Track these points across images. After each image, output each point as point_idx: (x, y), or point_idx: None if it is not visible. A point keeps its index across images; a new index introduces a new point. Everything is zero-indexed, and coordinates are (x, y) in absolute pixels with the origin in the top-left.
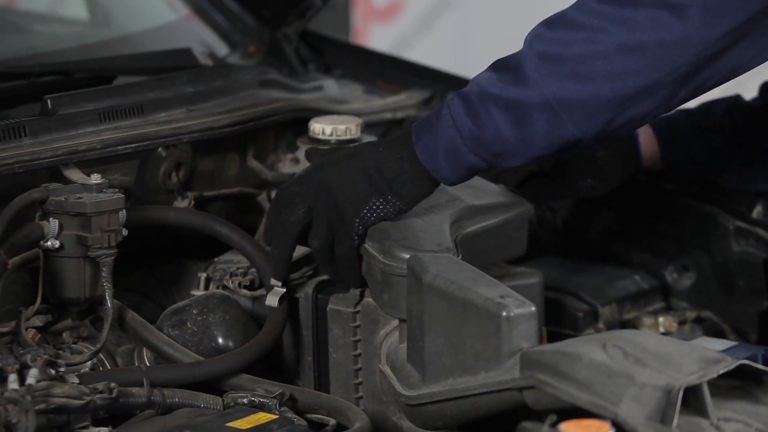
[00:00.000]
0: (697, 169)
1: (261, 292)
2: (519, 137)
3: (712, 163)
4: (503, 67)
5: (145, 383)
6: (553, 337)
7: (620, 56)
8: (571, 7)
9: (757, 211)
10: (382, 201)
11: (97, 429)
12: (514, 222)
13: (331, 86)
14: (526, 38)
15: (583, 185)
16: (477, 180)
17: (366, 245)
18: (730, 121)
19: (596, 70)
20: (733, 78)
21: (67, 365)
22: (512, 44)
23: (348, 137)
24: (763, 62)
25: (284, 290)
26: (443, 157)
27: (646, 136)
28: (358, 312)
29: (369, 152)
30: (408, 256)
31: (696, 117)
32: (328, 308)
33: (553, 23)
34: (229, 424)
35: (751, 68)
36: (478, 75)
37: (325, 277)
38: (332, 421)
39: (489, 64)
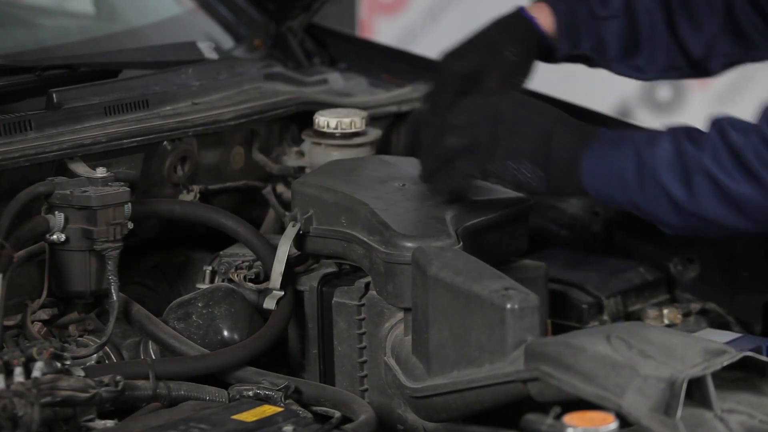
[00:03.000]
0: (590, 56)
1: (266, 285)
2: (738, 226)
3: (603, 50)
4: (723, 151)
5: (150, 376)
6: (558, 329)
7: None
8: None
9: None
10: (528, 170)
11: (102, 422)
12: (514, 218)
13: (336, 79)
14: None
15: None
16: None
17: (365, 238)
18: (627, 12)
19: None
20: None
21: (73, 358)
22: None
23: (353, 130)
24: None
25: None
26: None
27: (545, 20)
28: (363, 305)
29: (556, 120)
30: (410, 245)
31: (594, 5)
32: (333, 301)
33: None
34: (235, 417)
35: None
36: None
37: (329, 269)
38: (337, 414)
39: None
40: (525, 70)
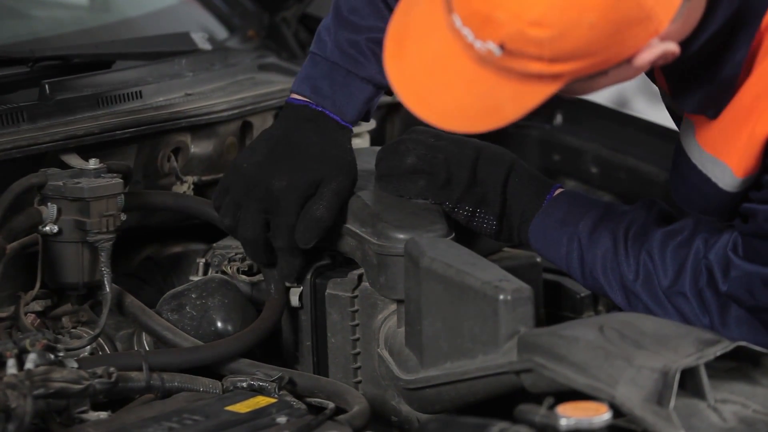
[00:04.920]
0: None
1: (259, 277)
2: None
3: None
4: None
5: (144, 368)
6: (553, 319)
7: None
8: None
9: None
10: (480, 216)
11: (96, 413)
12: None
13: None
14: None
15: None
16: None
17: (357, 230)
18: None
19: None
20: None
21: (66, 350)
22: None
23: None
24: None
25: (300, 288)
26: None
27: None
28: (356, 297)
29: (512, 171)
30: (402, 236)
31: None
32: (326, 293)
33: None
34: (228, 408)
35: None
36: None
37: (323, 262)
38: (331, 405)
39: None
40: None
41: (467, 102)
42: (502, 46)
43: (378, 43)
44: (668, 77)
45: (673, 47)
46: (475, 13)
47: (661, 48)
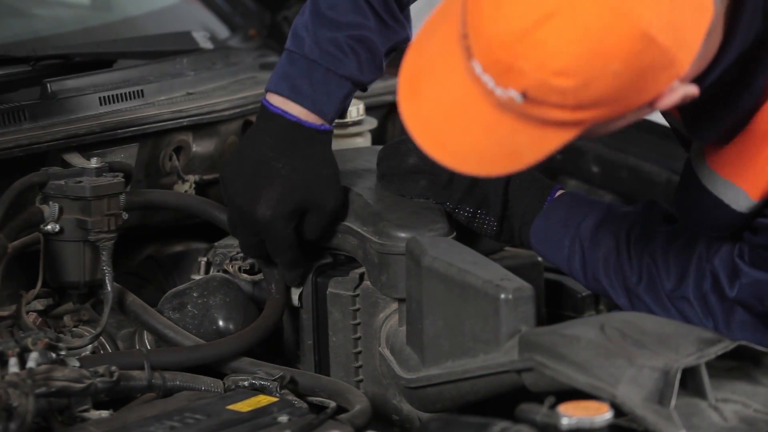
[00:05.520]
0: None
1: (260, 276)
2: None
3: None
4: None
5: (145, 366)
6: (555, 318)
7: None
8: None
9: None
10: (481, 217)
11: (98, 412)
12: None
13: None
14: None
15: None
16: None
17: (358, 229)
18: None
19: None
20: None
21: (68, 349)
22: None
23: (349, 120)
24: None
25: (301, 288)
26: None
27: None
28: (357, 295)
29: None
30: (404, 235)
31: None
32: (327, 292)
33: None
34: (230, 407)
35: None
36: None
37: (324, 261)
38: (333, 404)
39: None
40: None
41: (485, 146)
42: (524, 94)
43: (358, 40)
44: (682, 110)
45: (693, 90)
46: (497, 62)
47: (682, 91)
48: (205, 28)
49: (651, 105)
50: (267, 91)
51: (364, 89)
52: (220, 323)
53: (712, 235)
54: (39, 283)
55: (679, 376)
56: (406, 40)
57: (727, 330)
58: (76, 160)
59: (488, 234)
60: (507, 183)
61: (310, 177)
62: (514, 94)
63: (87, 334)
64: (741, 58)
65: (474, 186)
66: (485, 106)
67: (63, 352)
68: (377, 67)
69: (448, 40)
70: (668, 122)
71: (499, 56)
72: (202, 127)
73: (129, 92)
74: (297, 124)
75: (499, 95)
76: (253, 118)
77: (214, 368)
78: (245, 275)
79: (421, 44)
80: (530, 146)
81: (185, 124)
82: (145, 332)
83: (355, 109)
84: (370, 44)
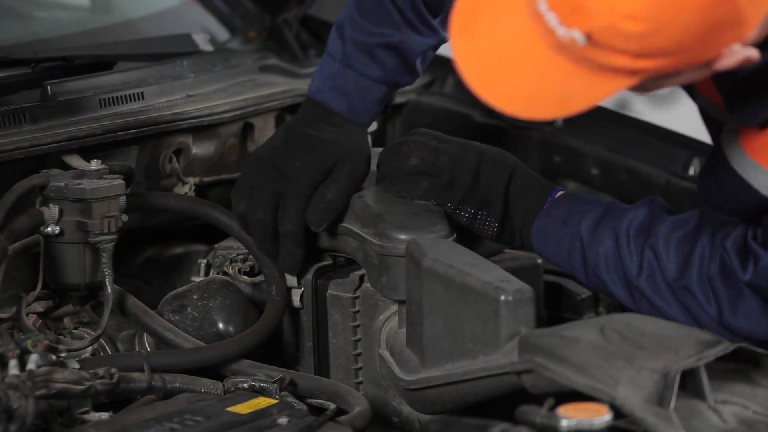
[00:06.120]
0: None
1: (260, 278)
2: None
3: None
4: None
5: (145, 368)
6: (554, 320)
7: None
8: None
9: None
10: (481, 219)
11: (97, 414)
12: None
13: None
14: None
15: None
16: None
17: (358, 231)
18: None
19: None
20: None
21: (68, 351)
22: None
23: None
24: None
25: (302, 289)
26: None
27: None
28: (357, 297)
29: (514, 174)
30: (404, 237)
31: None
32: (327, 294)
33: None
34: (230, 409)
35: None
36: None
37: (324, 263)
38: (332, 406)
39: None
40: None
41: (536, 88)
42: (588, 36)
43: (389, 48)
44: (725, 90)
45: (754, 53)
46: (565, 0)
47: (743, 53)
48: (205, 30)
49: (710, 65)
50: (308, 96)
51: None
52: (220, 325)
53: (731, 217)
54: (39, 285)
55: (678, 377)
56: (439, 43)
57: (733, 316)
58: (76, 162)
59: (489, 235)
60: (508, 184)
61: (345, 142)
62: (577, 35)
63: (87, 336)
64: None
65: (475, 187)
66: (543, 46)
67: (63, 354)
68: (410, 71)
69: None
70: (699, 105)
71: None
72: (202, 130)
73: (129, 94)
74: (334, 110)
75: (561, 35)
76: (254, 121)
77: (213, 370)
78: (245, 277)
79: None
80: (582, 92)
81: (185, 126)
82: (145, 334)
83: None
84: (403, 51)
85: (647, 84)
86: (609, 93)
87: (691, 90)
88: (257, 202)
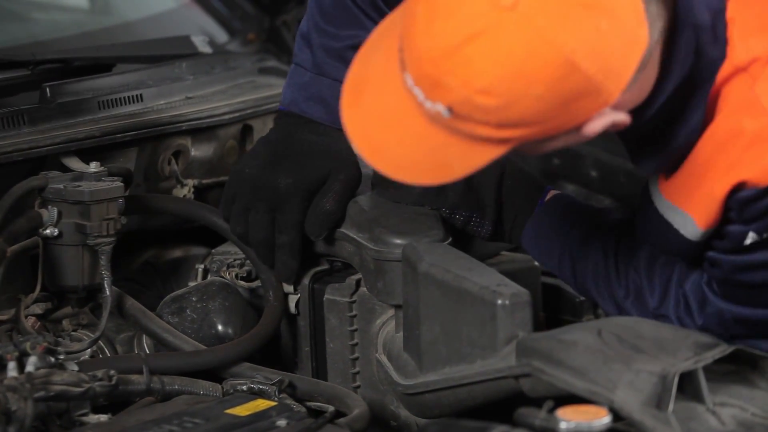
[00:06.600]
0: None
1: (257, 283)
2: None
3: None
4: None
5: (144, 370)
6: (553, 323)
7: None
8: None
9: None
10: (475, 220)
11: (96, 416)
12: None
13: None
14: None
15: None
16: None
17: (354, 236)
18: None
19: None
20: None
21: (67, 353)
22: None
23: None
24: None
25: (298, 295)
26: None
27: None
28: (354, 302)
29: (505, 175)
30: (400, 242)
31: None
32: (324, 298)
33: None
34: (228, 411)
35: None
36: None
37: (321, 267)
38: (331, 408)
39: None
40: None
41: (418, 156)
42: (450, 109)
43: (358, 49)
44: (625, 143)
45: (622, 117)
46: (426, 76)
47: (610, 118)
48: (204, 32)
49: (579, 130)
50: (280, 109)
51: None
52: (219, 327)
53: (672, 257)
54: (38, 287)
55: (676, 380)
56: None
57: None
58: (75, 164)
59: (483, 236)
60: (500, 185)
61: (333, 150)
62: (441, 108)
63: (86, 338)
64: (678, 92)
65: (468, 191)
66: (418, 117)
67: (62, 356)
68: None
69: (390, 52)
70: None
71: (427, 71)
72: (201, 132)
73: (128, 96)
74: (313, 120)
75: (429, 108)
76: (252, 122)
77: (212, 372)
78: (242, 282)
79: (367, 54)
80: (460, 159)
81: (184, 128)
82: (144, 336)
83: None
84: None
85: (525, 149)
86: (485, 160)
87: None
88: (255, 223)
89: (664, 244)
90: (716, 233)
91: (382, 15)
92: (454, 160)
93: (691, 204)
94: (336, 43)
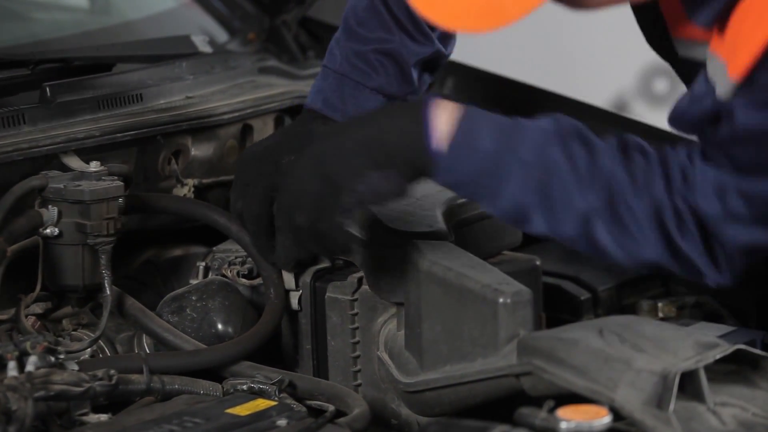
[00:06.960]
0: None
1: (258, 281)
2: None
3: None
4: None
5: (144, 370)
6: (553, 322)
7: None
8: None
9: None
10: (380, 176)
11: (96, 416)
12: None
13: None
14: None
15: None
16: None
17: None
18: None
19: None
20: None
21: (67, 352)
22: (508, 33)
23: None
24: None
25: (299, 291)
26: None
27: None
28: (356, 299)
29: (370, 122)
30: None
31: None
32: (326, 296)
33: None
34: (229, 411)
35: None
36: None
37: (323, 265)
38: (331, 408)
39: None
40: None
41: (472, 3)
42: None
43: (384, 54)
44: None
45: None
46: None
47: None
48: (204, 32)
49: None
50: (305, 107)
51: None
52: (219, 326)
53: (689, 133)
54: (38, 287)
55: (677, 379)
56: (436, 54)
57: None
58: (75, 163)
59: (398, 193)
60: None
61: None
62: None
63: (86, 337)
64: None
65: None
66: None
67: (62, 356)
68: (406, 80)
69: None
70: (683, 62)
71: None
72: (201, 131)
73: (128, 96)
74: (329, 117)
75: None
76: (253, 122)
77: (212, 372)
78: (243, 280)
79: None
80: (516, 2)
81: (184, 128)
82: (144, 336)
83: None
84: (398, 58)
85: None
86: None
87: (672, 56)
88: (252, 197)
89: (698, 115)
90: (743, 83)
91: (414, 22)
92: (507, 2)
93: (732, 50)
94: (363, 46)
